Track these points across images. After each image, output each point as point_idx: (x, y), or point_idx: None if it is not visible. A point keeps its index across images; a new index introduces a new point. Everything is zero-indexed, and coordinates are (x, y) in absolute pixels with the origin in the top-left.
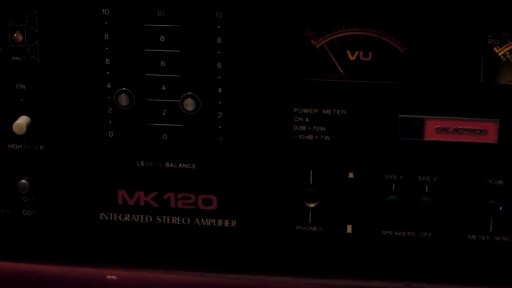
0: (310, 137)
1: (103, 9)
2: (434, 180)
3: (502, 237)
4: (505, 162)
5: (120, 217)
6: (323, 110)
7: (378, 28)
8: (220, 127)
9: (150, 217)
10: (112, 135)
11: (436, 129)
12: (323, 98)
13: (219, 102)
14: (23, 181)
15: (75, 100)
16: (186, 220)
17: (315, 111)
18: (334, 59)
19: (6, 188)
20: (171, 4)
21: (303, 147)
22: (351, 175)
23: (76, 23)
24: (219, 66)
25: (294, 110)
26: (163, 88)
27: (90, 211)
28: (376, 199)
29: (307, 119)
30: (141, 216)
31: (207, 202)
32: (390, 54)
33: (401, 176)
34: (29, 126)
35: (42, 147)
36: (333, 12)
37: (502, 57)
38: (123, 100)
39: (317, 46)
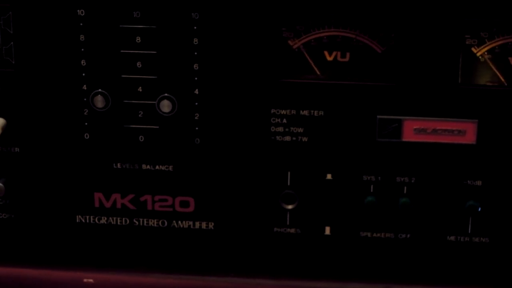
0: (287, 138)
1: (78, 10)
2: (412, 181)
3: (481, 238)
4: (483, 163)
5: (96, 220)
6: (301, 111)
7: (356, 29)
8: (197, 128)
9: (127, 219)
10: (88, 137)
11: (414, 130)
12: (301, 99)
13: (196, 104)
14: None
15: (50, 102)
16: (163, 223)
17: (292, 112)
18: (311, 60)
19: None
20: (147, 5)
21: (280, 148)
22: (329, 176)
23: (51, 24)
24: (196, 67)
25: (272, 111)
26: (139, 89)
27: (66, 214)
28: (355, 200)
29: (284, 120)
30: (118, 219)
31: (185, 204)
32: (368, 55)
33: (379, 177)
34: (4, 129)
35: (18, 150)
36: (310, 12)
37: (480, 57)
38: (99, 101)
39: (294, 47)
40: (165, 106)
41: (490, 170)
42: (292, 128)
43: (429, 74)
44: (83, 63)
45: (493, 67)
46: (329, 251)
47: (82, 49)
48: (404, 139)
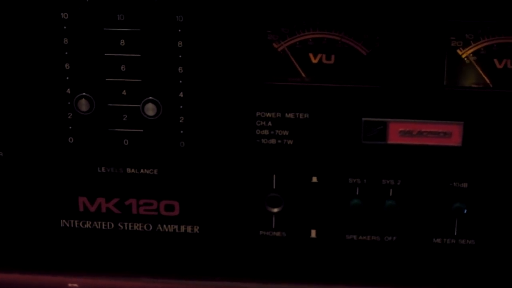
0: (273, 141)
1: (62, 13)
2: (398, 183)
3: (467, 240)
4: (469, 165)
5: (81, 224)
6: (286, 114)
7: (341, 31)
8: (181, 132)
9: (112, 223)
10: (72, 141)
11: (399, 132)
12: (286, 102)
13: (181, 107)
14: None
15: (34, 106)
16: (148, 227)
17: (277, 115)
18: (296, 63)
19: None
20: (131, 7)
21: (266, 151)
22: (314, 179)
23: (35, 27)
24: (180, 70)
25: (257, 114)
26: (124, 93)
27: (50, 218)
28: (340, 203)
29: (269, 123)
30: (103, 223)
31: (169, 208)
32: (353, 57)
33: (365, 180)
34: None
35: (1, 154)
36: (295, 15)
37: (465, 59)
38: (83, 105)
39: (279, 50)
40: (150, 109)
41: (476, 172)
42: (277, 131)
43: (415, 76)
44: (67, 67)
45: (478, 69)
46: (315, 254)
47: (66, 53)
48: (390, 142)
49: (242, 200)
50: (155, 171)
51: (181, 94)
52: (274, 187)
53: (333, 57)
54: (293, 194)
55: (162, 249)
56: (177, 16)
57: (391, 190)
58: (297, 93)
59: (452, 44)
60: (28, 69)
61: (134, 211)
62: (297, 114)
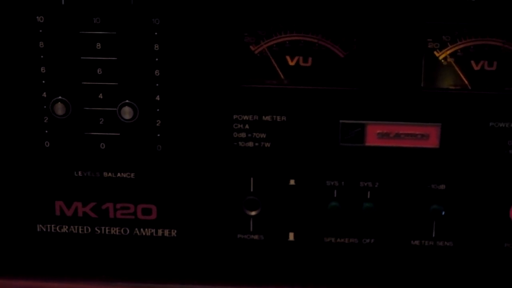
0: (250, 144)
1: (38, 17)
2: (376, 186)
3: (445, 242)
4: (447, 167)
5: (58, 229)
6: (263, 117)
7: (318, 33)
8: (158, 135)
9: (89, 228)
10: (48, 145)
11: (377, 134)
12: (263, 104)
13: (157, 110)
14: None
15: (10, 110)
16: (125, 231)
17: (255, 118)
18: (273, 65)
19: None
20: (107, 11)
21: (243, 154)
22: (292, 182)
23: (10, 31)
24: (157, 73)
25: (234, 117)
26: (100, 96)
27: (27, 222)
28: (318, 206)
29: (247, 126)
30: (80, 227)
31: (147, 211)
32: (330, 59)
33: (342, 182)
34: None
35: None
36: (272, 17)
37: (442, 61)
38: (59, 109)
39: (256, 52)
40: (126, 113)
41: (454, 174)
42: (254, 134)
43: (392, 78)
44: (43, 70)
45: (455, 70)
46: (293, 257)
47: (42, 56)
48: (367, 144)
49: (219, 203)
50: (132, 175)
51: (157, 97)
52: (251, 190)
53: (310, 59)
54: (271, 197)
55: (139, 253)
56: (153, 19)
57: (369, 192)
58: (275, 95)
59: (429, 46)
60: (4, 73)
61: (111, 215)
62: (275, 116)
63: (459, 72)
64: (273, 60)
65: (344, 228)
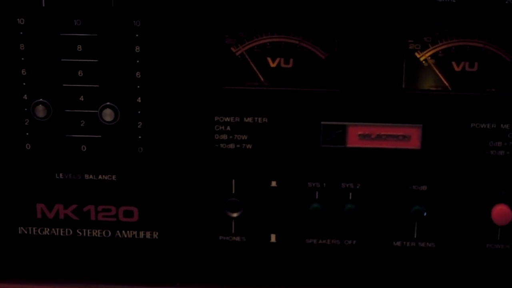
0: (231, 146)
1: (18, 19)
2: (357, 187)
3: (427, 243)
4: (428, 168)
5: (39, 231)
6: (245, 119)
7: (299, 35)
8: (140, 137)
9: (70, 230)
10: (29, 148)
11: (358, 135)
12: (244, 106)
13: (139, 112)
14: None
15: None
16: (107, 233)
17: (236, 120)
18: (254, 67)
19: None
20: (88, 12)
21: (224, 156)
22: (274, 183)
23: None
24: (138, 75)
25: (215, 119)
26: (81, 98)
27: (8, 225)
28: (300, 207)
29: (228, 128)
30: (61, 230)
31: (128, 214)
32: (311, 61)
33: (324, 184)
34: None
35: None
36: (253, 19)
37: (423, 62)
38: (40, 111)
39: (237, 54)
40: (107, 115)
41: (435, 175)
42: (236, 136)
43: (373, 80)
44: (24, 73)
45: (436, 71)
46: (275, 258)
47: (22, 58)
48: (349, 145)
49: (201, 205)
50: (114, 177)
51: (139, 99)
52: (233, 192)
53: (291, 61)
54: (253, 198)
55: (121, 256)
56: (134, 21)
57: (350, 193)
58: (256, 97)
59: (410, 47)
60: None
61: (92, 217)
62: (256, 118)
63: (440, 73)
64: (254, 62)
65: (326, 230)
